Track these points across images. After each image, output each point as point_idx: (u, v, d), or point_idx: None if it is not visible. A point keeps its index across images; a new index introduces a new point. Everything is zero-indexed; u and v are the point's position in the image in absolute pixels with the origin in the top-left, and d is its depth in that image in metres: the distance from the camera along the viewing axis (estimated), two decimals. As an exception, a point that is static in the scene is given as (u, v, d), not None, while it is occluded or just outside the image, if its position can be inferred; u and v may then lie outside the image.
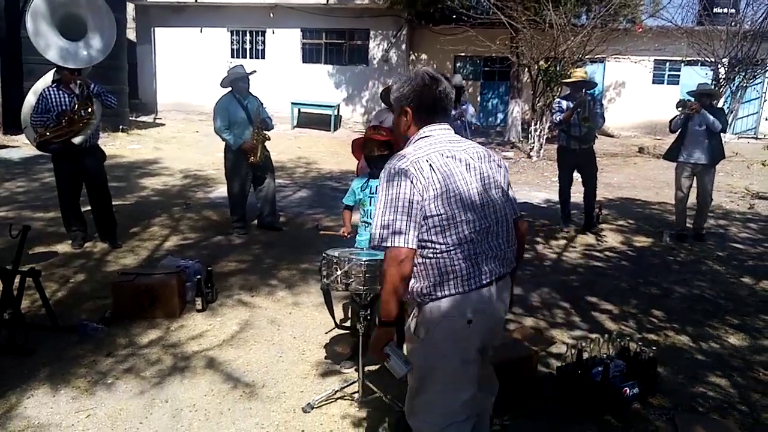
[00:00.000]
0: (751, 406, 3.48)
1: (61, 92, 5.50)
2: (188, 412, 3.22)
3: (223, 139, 6.31)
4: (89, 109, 5.57)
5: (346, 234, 3.94)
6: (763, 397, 3.58)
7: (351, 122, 18.18)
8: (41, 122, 5.44)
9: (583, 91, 6.97)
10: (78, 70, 5.59)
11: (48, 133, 5.44)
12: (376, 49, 18.03)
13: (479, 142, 9.91)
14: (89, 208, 5.99)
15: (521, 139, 15.40)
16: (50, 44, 5.63)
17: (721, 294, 5.37)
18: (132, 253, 5.81)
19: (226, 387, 3.48)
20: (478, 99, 18.75)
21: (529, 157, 13.44)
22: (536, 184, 10.88)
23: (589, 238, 6.99)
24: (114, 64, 12.92)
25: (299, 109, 17.46)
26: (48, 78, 5.85)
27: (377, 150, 3.75)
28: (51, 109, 5.43)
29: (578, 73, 7.18)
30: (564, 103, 7.04)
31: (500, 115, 18.53)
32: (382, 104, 6.40)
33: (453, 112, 6.65)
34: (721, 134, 6.87)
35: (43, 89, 5.52)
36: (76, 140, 5.53)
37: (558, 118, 7.05)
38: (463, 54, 17.96)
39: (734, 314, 4.90)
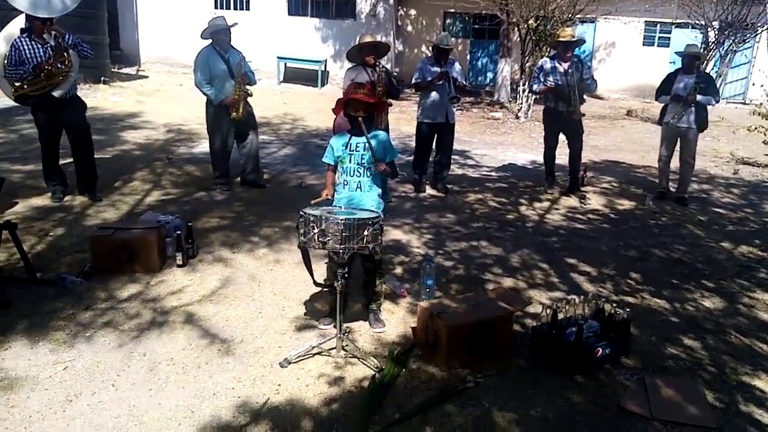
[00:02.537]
0: (720, 367, 3.57)
1: (34, 43, 5.30)
2: (165, 365, 3.25)
3: (204, 93, 6.18)
4: (66, 61, 5.42)
5: (328, 195, 3.91)
6: (732, 359, 3.67)
7: (338, 78, 17.86)
8: (16, 75, 5.28)
9: (573, 59, 6.82)
10: (50, 20, 5.35)
11: (26, 86, 5.30)
12: (363, 3, 17.61)
13: (467, 102, 10.02)
14: (69, 161, 5.89)
15: (510, 99, 15.28)
16: None
17: (699, 258, 5.44)
18: (113, 208, 5.75)
19: (204, 342, 3.50)
20: (468, 57, 18.49)
21: (517, 117, 13.37)
22: (522, 146, 10.85)
23: (573, 201, 7.02)
24: (91, 14, 12.54)
25: (285, 64, 17.12)
26: (14, 26, 5.61)
27: (361, 111, 3.70)
28: (25, 61, 5.26)
29: (567, 32, 7.02)
30: (548, 65, 6.89)
31: (490, 75, 18.33)
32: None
33: (432, 74, 6.58)
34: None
35: (14, 40, 5.29)
36: (56, 93, 5.41)
37: (536, 88, 6.98)
38: (452, 11, 17.63)
39: (711, 278, 4.98)
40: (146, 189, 6.37)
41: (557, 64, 6.82)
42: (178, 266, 4.47)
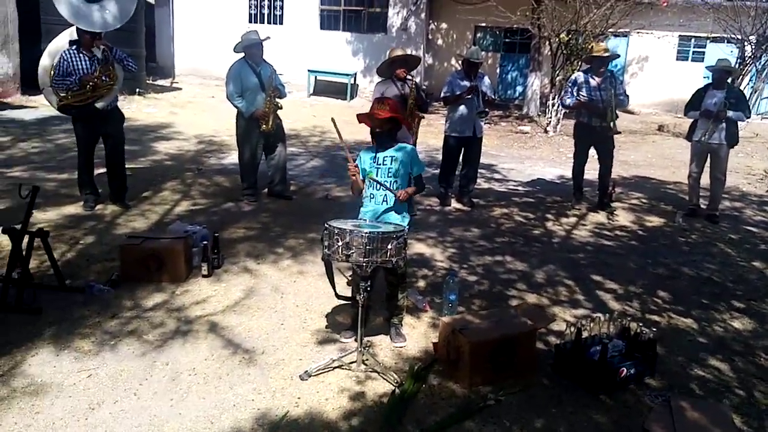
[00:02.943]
0: (749, 390, 3.47)
1: (81, 55, 5.49)
2: (187, 375, 3.28)
3: (235, 106, 6.30)
4: (111, 75, 5.62)
5: (352, 168, 3.87)
6: (762, 382, 3.56)
7: (368, 92, 17.99)
8: (63, 85, 5.47)
9: (606, 73, 6.76)
10: (99, 34, 5.57)
11: (71, 97, 5.49)
12: (395, 17, 17.75)
13: (496, 116, 9.99)
14: (102, 171, 6.05)
15: (539, 113, 15.18)
16: (71, 5, 5.58)
17: (730, 277, 5.31)
18: (142, 217, 5.86)
19: (226, 352, 3.54)
20: (497, 71, 18.46)
21: (546, 132, 13.27)
22: (551, 160, 10.76)
23: (600, 217, 6.92)
24: (131, 27, 12.82)
25: (316, 77, 17.32)
26: (63, 39, 5.83)
27: (383, 126, 3.72)
28: (72, 72, 5.44)
29: (601, 47, 6.93)
30: (581, 78, 6.85)
31: (519, 88, 18.24)
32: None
33: (462, 87, 6.59)
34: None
35: (63, 52, 5.50)
36: (99, 105, 5.61)
37: (568, 102, 6.87)
38: (483, 24, 17.64)
39: (741, 298, 4.85)
40: (176, 199, 6.48)
41: (590, 79, 6.76)
42: (204, 276, 4.53)
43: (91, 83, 5.46)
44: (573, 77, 7.07)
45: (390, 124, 3.75)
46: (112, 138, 5.92)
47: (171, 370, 3.33)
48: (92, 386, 3.14)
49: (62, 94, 5.50)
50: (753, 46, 13.91)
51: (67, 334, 3.62)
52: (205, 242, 4.63)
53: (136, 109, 12.16)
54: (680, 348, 3.93)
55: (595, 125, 6.83)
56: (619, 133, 6.88)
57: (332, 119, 4.25)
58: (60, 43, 5.77)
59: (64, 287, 4.17)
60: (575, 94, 6.82)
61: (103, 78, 5.53)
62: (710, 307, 4.62)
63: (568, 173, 9.38)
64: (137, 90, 13.66)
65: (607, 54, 6.78)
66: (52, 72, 5.52)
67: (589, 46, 6.97)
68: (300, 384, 3.25)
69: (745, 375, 3.64)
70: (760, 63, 14.21)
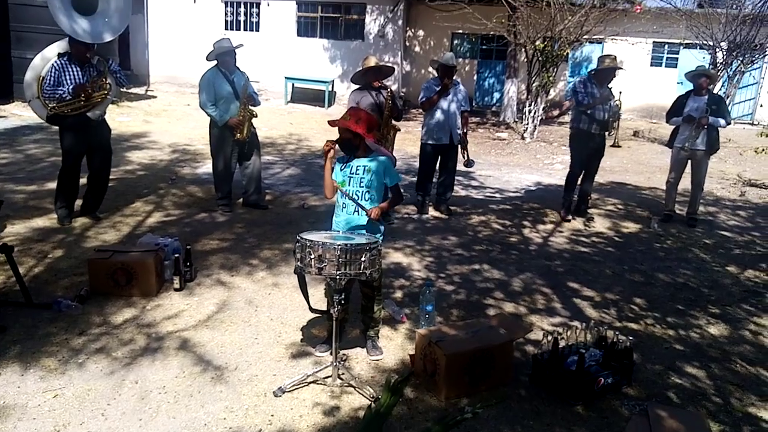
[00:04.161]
0: (725, 397, 3.47)
1: (73, 66, 5.42)
2: (157, 393, 3.19)
3: (209, 115, 6.21)
4: (105, 85, 5.58)
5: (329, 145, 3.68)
6: (738, 389, 3.57)
7: (345, 98, 17.96)
8: (54, 96, 5.37)
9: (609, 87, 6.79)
10: (92, 45, 5.53)
11: (64, 107, 5.40)
12: (372, 24, 17.73)
13: (473, 122, 9.97)
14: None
15: (516, 119, 15.26)
16: (66, 17, 5.51)
17: (705, 283, 5.35)
18: (113, 229, 5.74)
19: (197, 369, 3.45)
20: (474, 78, 18.53)
21: (523, 138, 13.34)
22: (528, 167, 10.80)
23: (577, 223, 6.94)
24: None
25: (293, 84, 17.23)
26: (50, 51, 5.73)
27: (346, 134, 3.66)
28: (63, 83, 5.36)
29: (610, 59, 6.78)
30: (589, 85, 6.70)
31: (496, 95, 18.34)
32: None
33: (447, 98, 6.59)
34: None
35: (54, 62, 5.41)
36: (93, 114, 5.57)
37: (586, 101, 6.64)
38: (460, 31, 17.70)
39: (716, 304, 4.89)
40: (148, 210, 6.36)
41: (594, 88, 6.71)
42: (176, 290, 4.44)
43: (84, 93, 5.39)
44: (580, 80, 6.85)
45: (352, 137, 3.66)
46: (100, 150, 5.85)
47: (140, 388, 3.24)
48: (58, 407, 3.03)
49: (51, 105, 5.42)
50: (724, 53, 14.15)
51: (32, 352, 3.51)
52: (177, 255, 4.53)
53: (109, 118, 11.89)
54: (657, 356, 3.93)
55: (595, 133, 6.79)
56: (619, 146, 6.90)
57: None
58: (45, 56, 5.67)
59: (31, 303, 4.05)
60: (589, 96, 6.67)
61: (97, 88, 5.51)
62: (686, 314, 4.64)
63: (545, 180, 9.46)
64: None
65: (618, 66, 6.77)
66: (42, 83, 5.43)
67: (599, 58, 6.89)
68: (273, 401, 3.18)
69: (722, 382, 3.65)
70: (731, 69, 14.45)
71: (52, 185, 5.87)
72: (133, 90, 16.20)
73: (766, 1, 13.59)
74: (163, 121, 12.44)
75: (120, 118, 12.03)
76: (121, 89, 14.43)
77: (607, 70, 6.70)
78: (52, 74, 5.34)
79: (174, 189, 7.25)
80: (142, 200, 6.69)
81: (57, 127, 5.67)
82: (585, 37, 13.61)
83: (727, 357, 3.98)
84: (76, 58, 5.44)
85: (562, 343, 3.56)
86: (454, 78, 6.78)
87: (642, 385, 3.55)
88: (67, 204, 5.78)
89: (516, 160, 11.42)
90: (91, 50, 5.49)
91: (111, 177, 6.16)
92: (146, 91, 16.80)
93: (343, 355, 3.62)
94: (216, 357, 3.59)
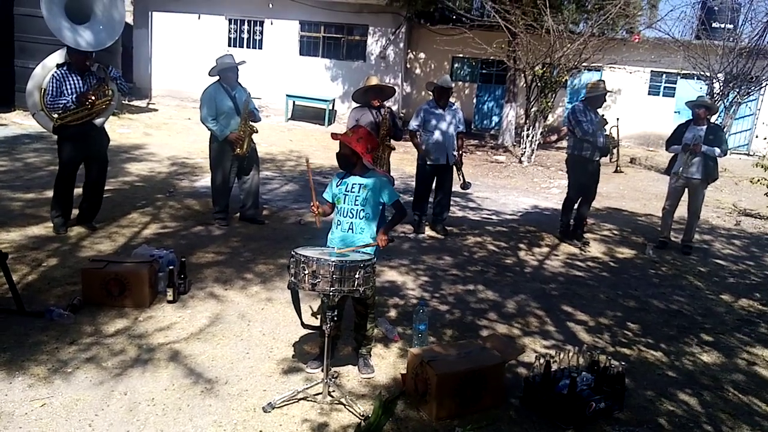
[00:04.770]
0: (716, 425, 3.46)
1: (73, 75, 5.45)
2: (146, 405, 3.17)
3: (209, 129, 6.25)
4: (108, 91, 5.64)
5: (315, 209, 3.81)
6: (730, 417, 3.56)
7: (346, 117, 18.08)
8: (57, 106, 5.40)
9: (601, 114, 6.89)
10: (90, 53, 5.56)
11: (69, 117, 5.44)
12: (374, 45, 17.93)
13: (471, 145, 10.11)
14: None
15: (514, 143, 15.37)
16: (63, 27, 5.55)
17: (699, 310, 5.35)
18: (109, 240, 5.73)
19: (187, 382, 3.42)
20: (474, 101, 18.71)
21: (520, 162, 13.42)
22: (525, 190, 10.85)
23: (572, 247, 6.95)
24: (108, 47, 12.79)
25: (294, 102, 17.36)
26: (51, 60, 5.78)
27: (344, 150, 3.69)
28: (64, 92, 5.39)
29: (599, 84, 6.92)
30: (587, 112, 6.74)
31: (495, 118, 18.50)
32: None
33: (433, 115, 6.65)
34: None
35: (54, 73, 5.45)
36: (98, 121, 5.65)
37: (591, 129, 6.63)
38: (461, 55, 17.91)
39: (710, 331, 4.88)
40: (144, 222, 6.36)
41: (592, 114, 6.76)
42: (169, 302, 4.42)
43: (88, 101, 5.43)
44: (578, 107, 6.85)
45: (350, 154, 3.68)
46: (98, 159, 5.88)
47: (129, 400, 3.21)
48: (45, 416, 3.00)
49: (56, 116, 5.45)
50: (721, 84, 14.32)
51: (21, 360, 3.48)
52: (171, 267, 4.52)
53: (109, 130, 11.94)
54: (649, 382, 3.92)
55: (595, 159, 6.84)
56: (622, 172, 6.99)
57: (306, 159, 4.22)
58: (45, 67, 5.72)
59: (23, 311, 4.02)
60: (590, 123, 6.69)
61: (101, 95, 5.55)
62: (679, 340, 4.64)
63: (542, 203, 9.49)
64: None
65: (607, 90, 6.88)
66: (44, 95, 5.47)
67: (589, 85, 7.01)
68: (263, 416, 3.15)
69: (714, 410, 3.64)
70: (727, 100, 14.61)
71: (50, 194, 5.87)
72: (135, 102, 16.30)
73: (761, 35, 13.79)
74: (163, 134, 12.49)
75: (120, 130, 12.08)
76: (123, 99, 14.54)
77: (600, 96, 6.78)
78: (53, 85, 5.36)
79: (171, 201, 7.25)
80: (138, 211, 6.69)
81: (57, 136, 5.70)
82: (584, 64, 13.79)
83: (719, 385, 3.97)
84: (75, 67, 5.47)
85: (554, 367, 3.54)
86: (451, 100, 6.86)
87: (634, 410, 3.54)
88: (63, 213, 5.78)
89: (513, 183, 11.47)
90: (90, 59, 5.53)
91: (109, 188, 6.20)
92: (148, 104, 16.91)
93: (335, 372, 3.60)
94: (206, 370, 3.57)
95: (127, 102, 15.64)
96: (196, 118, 7.35)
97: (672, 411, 3.58)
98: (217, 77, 6.28)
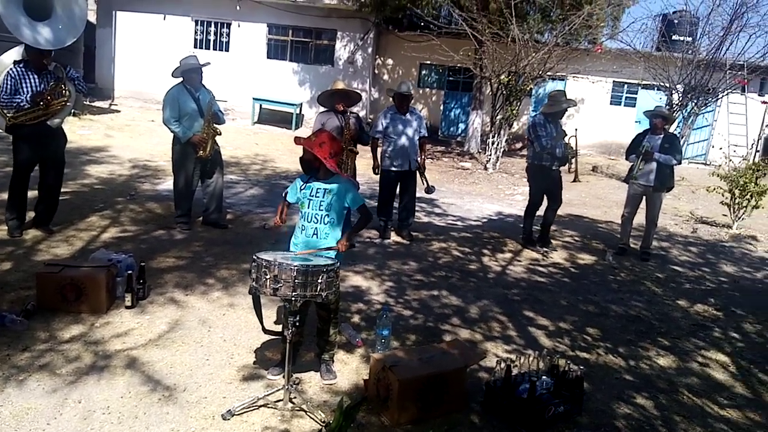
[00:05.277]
0: (671, 428, 3.54)
1: (29, 73, 5.30)
2: (101, 414, 3.09)
3: (172, 131, 6.16)
4: (64, 92, 5.47)
5: (277, 222, 3.82)
6: (684, 420, 3.64)
7: (313, 121, 18.01)
8: (11, 105, 5.23)
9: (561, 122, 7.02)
10: (49, 52, 5.41)
11: (23, 117, 5.27)
12: (342, 50, 17.93)
13: (437, 151, 10.19)
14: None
15: (480, 150, 15.53)
16: (20, 24, 5.39)
17: (656, 315, 5.47)
18: (66, 243, 5.58)
19: (144, 389, 3.35)
20: (441, 108, 18.86)
21: (486, 168, 13.56)
22: (490, 196, 10.97)
23: (535, 253, 7.05)
24: (69, 46, 12.49)
25: (261, 105, 17.23)
26: (7, 57, 5.62)
27: (307, 155, 3.68)
28: (20, 90, 5.23)
29: (560, 95, 7.06)
30: (547, 125, 6.85)
31: (462, 126, 18.66)
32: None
33: (394, 121, 6.68)
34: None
35: (9, 70, 5.28)
36: (54, 122, 5.47)
37: (550, 144, 6.74)
38: (428, 62, 18.03)
39: (666, 336, 5.00)
40: (104, 225, 6.22)
41: (551, 126, 6.87)
42: (127, 308, 4.32)
43: (43, 101, 5.27)
44: (537, 121, 6.97)
45: (313, 159, 3.67)
46: (54, 160, 5.73)
47: (83, 408, 3.13)
48: (-7, 426, 2.91)
49: (9, 114, 5.28)
50: (680, 94, 14.74)
51: (-31, 368, 3.36)
52: (130, 271, 4.43)
53: (69, 131, 11.65)
54: (608, 385, 3.99)
55: (554, 169, 6.97)
56: (579, 181, 7.11)
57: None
58: (6, 61, 5.55)
59: (-28, 317, 3.89)
60: (549, 137, 6.80)
61: (57, 95, 5.39)
62: (637, 345, 4.74)
63: (506, 210, 9.61)
64: (72, 111, 13.20)
65: (571, 104, 7.00)
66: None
67: (550, 95, 7.14)
68: (222, 424, 3.10)
69: (669, 412, 3.72)
70: (686, 110, 15.04)
71: (4, 195, 5.71)
72: (97, 103, 15.96)
73: (718, 48, 14.25)
74: (125, 135, 12.26)
75: (81, 131, 11.82)
76: (85, 100, 14.21)
77: (558, 111, 6.93)
78: (9, 83, 5.21)
79: (132, 204, 7.11)
80: (97, 215, 6.54)
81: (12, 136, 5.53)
82: (548, 73, 14.04)
83: (674, 388, 4.06)
84: (33, 65, 5.33)
85: (515, 371, 3.58)
86: (412, 106, 6.91)
87: (592, 414, 3.59)
88: (18, 215, 5.61)
89: (478, 190, 11.58)
90: (47, 57, 5.38)
91: (67, 190, 6.04)
92: (110, 105, 16.57)
93: (296, 378, 3.57)
94: (165, 377, 3.50)
95: (88, 103, 15.30)
96: (160, 120, 7.24)
97: (629, 414, 3.65)
98: (181, 78, 6.20)
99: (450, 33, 14.65)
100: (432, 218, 8.49)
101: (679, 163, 7.15)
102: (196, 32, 18.20)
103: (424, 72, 18.85)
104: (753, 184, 9.32)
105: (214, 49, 18.06)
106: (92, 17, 17.79)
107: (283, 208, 3.88)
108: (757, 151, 14.70)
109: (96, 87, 17.83)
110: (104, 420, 3.04)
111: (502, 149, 13.89)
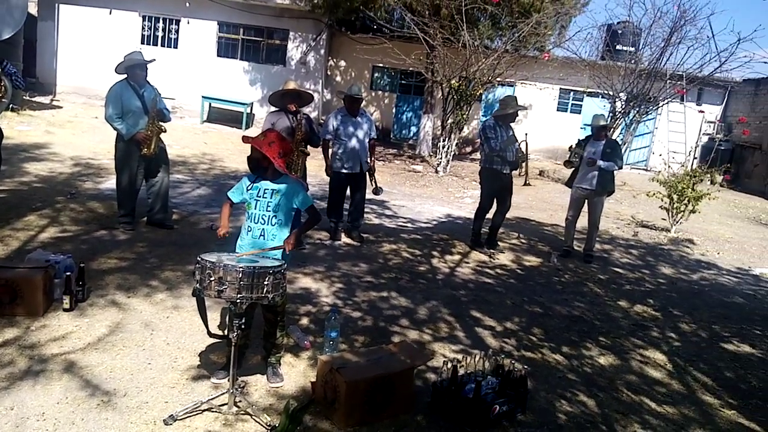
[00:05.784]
0: (610, 425, 3.65)
1: None
2: (35, 420, 2.96)
3: (115, 128, 5.98)
4: (1, 87, 5.28)
5: (223, 234, 3.78)
6: (623, 417, 3.77)
7: (263, 121, 17.80)
8: None
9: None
10: None
11: None
12: (294, 50, 17.79)
13: (389, 154, 10.22)
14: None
15: (431, 153, 15.67)
16: None
17: (598, 316, 5.64)
18: (1, 243, 5.34)
19: (82, 394, 3.24)
20: (393, 111, 18.95)
21: (437, 172, 13.69)
22: (440, 199, 11.08)
23: (483, 255, 7.16)
24: (7, 39, 11.98)
25: (210, 104, 16.90)
26: None
27: (255, 154, 3.63)
28: None
29: (512, 101, 7.16)
30: (498, 129, 6.97)
31: (413, 129, 18.79)
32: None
33: (343, 123, 6.68)
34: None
35: None
36: None
37: (499, 146, 6.86)
38: (381, 65, 18.11)
39: (607, 336, 5.16)
40: (42, 225, 5.98)
41: (502, 130, 6.98)
42: (65, 310, 4.17)
43: None
44: (488, 124, 7.09)
45: (261, 158, 3.63)
46: None
47: (16, 415, 3.00)
48: None
49: None
50: (623, 102, 15.27)
51: None
52: (68, 273, 4.28)
53: (8, 126, 11.19)
54: (551, 384, 4.08)
55: (506, 173, 7.08)
56: (530, 185, 7.26)
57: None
58: None
59: None
60: (500, 139, 6.92)
61: None
62: (579, 344, 4.87)
63: (456, 212, 9.72)
64: (10, 105, 12.64)
65: (521, 108, 7.14)
66: None
67: (501, 100, 7.27)
68: (163, 429, 3.03)
69: (609, 410, 3.84)
70: (628, 117, 15.58)
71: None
72: (37, 98, 15.35)
73: (659, 59, 14.83)
74: (67, 132, 11.82)
75: (20, 127, 11.34)
76: (24, 95, 13.64)
77: (509, 115, 7.05)
78: None
79: (73, 204, 6.86)
80: (35, 214, 6.28)
81: None
82: (497, 79, 14.27)
83: (614, 386, 4.19)
84: None
85: (461, 371, 3.62)
86: (363, 108, 6.91)
87: (535, 412, 3.67)
88: None
89: (429, 192, 11.68)
90: None
91: (4, 188, 5.77)
92: (51, 100, 15.95)
93: (242, 381, 3.52)
94: (104, 382, 3.39)
95: (28, 98, 14.70)
96: (103, 116, 7.03)
97: (570, 412, 3.75)
98: (125, 75, 6.03)
99: (402, 36, 14.74)
100: (383, 220, 8.52)
101: (621, 168, 7.41)
102: (143, 28, 17.72)
103: (376, 75, 18.91)
104: (690, 189, 9.73)
105: (162, 45, 17.63)
106: (33, 9, 17.09)
107: (227, 212, 3.81)
108: (694, 158, 15.36)
109: (37, 81, 17.15)
110: (38, 427, 2.92)
111: (453, 153, 14.05)
